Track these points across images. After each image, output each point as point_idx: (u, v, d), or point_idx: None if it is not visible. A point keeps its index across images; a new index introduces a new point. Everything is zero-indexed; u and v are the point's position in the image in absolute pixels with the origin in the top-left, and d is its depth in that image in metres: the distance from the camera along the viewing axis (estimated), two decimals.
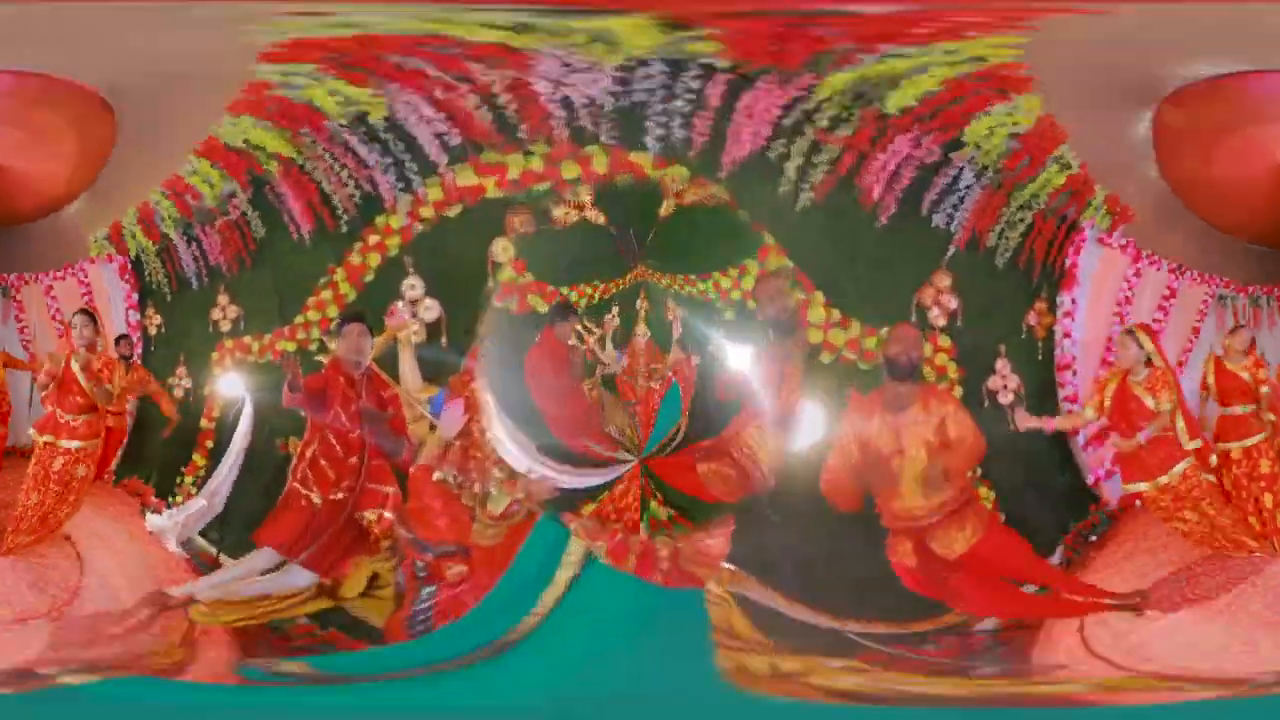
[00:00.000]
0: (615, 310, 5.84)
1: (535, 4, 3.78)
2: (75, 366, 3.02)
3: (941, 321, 3.01)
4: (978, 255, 2.70)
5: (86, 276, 3.00)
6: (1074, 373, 2.35)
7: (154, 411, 3.28)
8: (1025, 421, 2.93)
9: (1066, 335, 2.33)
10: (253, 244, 3.51)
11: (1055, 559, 2.85)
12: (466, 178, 4.62)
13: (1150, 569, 2.13)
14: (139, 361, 3.41)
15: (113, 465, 3.18)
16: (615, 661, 4.11)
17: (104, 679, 2.77)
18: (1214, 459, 2.15)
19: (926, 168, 2.73)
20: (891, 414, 3.15)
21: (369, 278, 4.30)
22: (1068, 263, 2.29)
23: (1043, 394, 2.59)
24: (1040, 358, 2.65)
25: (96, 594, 2.89)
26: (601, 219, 5.52)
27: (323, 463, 3.97)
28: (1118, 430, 2.24)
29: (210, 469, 3.38)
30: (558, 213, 5.43)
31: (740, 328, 5.42)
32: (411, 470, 4.47)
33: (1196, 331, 2.19)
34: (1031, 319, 2.62)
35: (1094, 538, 2.42)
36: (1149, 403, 2.13)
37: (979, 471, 3.11)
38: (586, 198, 5.37)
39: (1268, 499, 2.01)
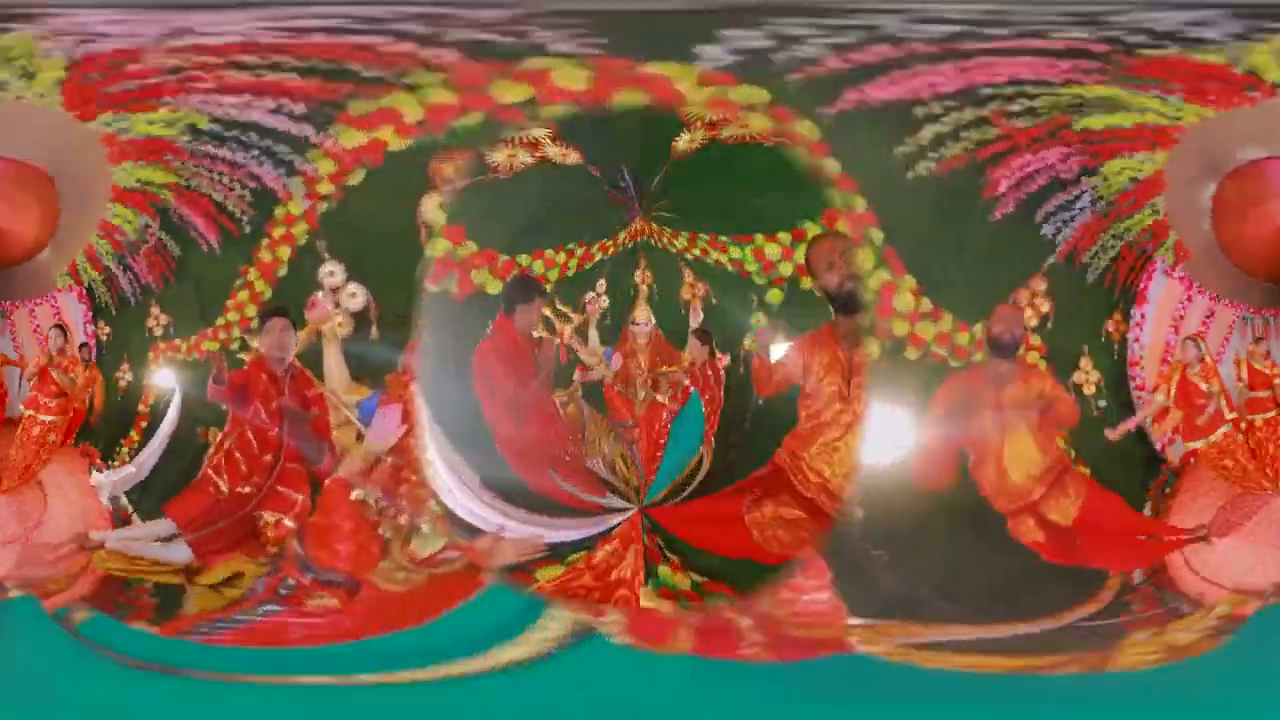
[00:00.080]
0: (602, 287, 4.51)
1: None
2: (51, 365, 4.05)
3: (1033, 322, 3.34)
4: (1072, 268, 3.32)
5: (56, 302, 3.89)
6: (1141, 368, 3.19)
7: (108, 398, 3.99)
8: (1116, 432, 3.58)
9: (1136, 340, 3.13)
10: (173, 262, 3.94)
11: (1146, 512, 3.39)
12: (351, 138, 4.16)
13: (1208, 508, 3.16)
14: (94, 363, 4.04)
15: (74, 434, 3.96)
16: None
17: (24, 595, 3.55)
18: (1244, 425, 3.22)
19: (1058, 182, 3.23)
20: (993, 390, 3.43)
21: (282, 271, 4.22)
22: (1140, 286, 3.11)
23: (1117, 385, 3.22)
24: (1115, 357, 3.23)
25: (51, 527, 3.68)
26: (574, 157, 4.33)
27: (236, 455, 4.11)
28: (1181, 408, 3.20)
29: (142, 444, 3.93)
30: (499, 156, 4.29)
31: (791, 313, 4.54)
32: (327, 481, 4.23)
33: (1227, 340, 3.09)
34: (1110, 326, 3.19)
35: (1168, 490, 3.30)
36: (1203, 387, 3.19)
37: (1074, 452, 3.41)
38: (543, 131, 4.26)
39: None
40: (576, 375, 4.68)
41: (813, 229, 4.60)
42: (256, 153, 4.01)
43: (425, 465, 4.18)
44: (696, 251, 4.41)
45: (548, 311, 4.56)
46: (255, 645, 3.76)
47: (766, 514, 4.40)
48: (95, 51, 3.63)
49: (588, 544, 4.25)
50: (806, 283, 4.77)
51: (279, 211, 4.14)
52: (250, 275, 4.15)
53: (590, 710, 3.77)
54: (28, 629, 3.54)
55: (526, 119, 4.15)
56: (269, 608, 3.93)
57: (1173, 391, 2.88)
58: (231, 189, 3.96)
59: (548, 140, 4.25)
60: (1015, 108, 3.24)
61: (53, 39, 3.60)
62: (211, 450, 4.08)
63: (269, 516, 4.13)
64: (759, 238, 4.66)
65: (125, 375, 4.04)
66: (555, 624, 3.90)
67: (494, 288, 4.38)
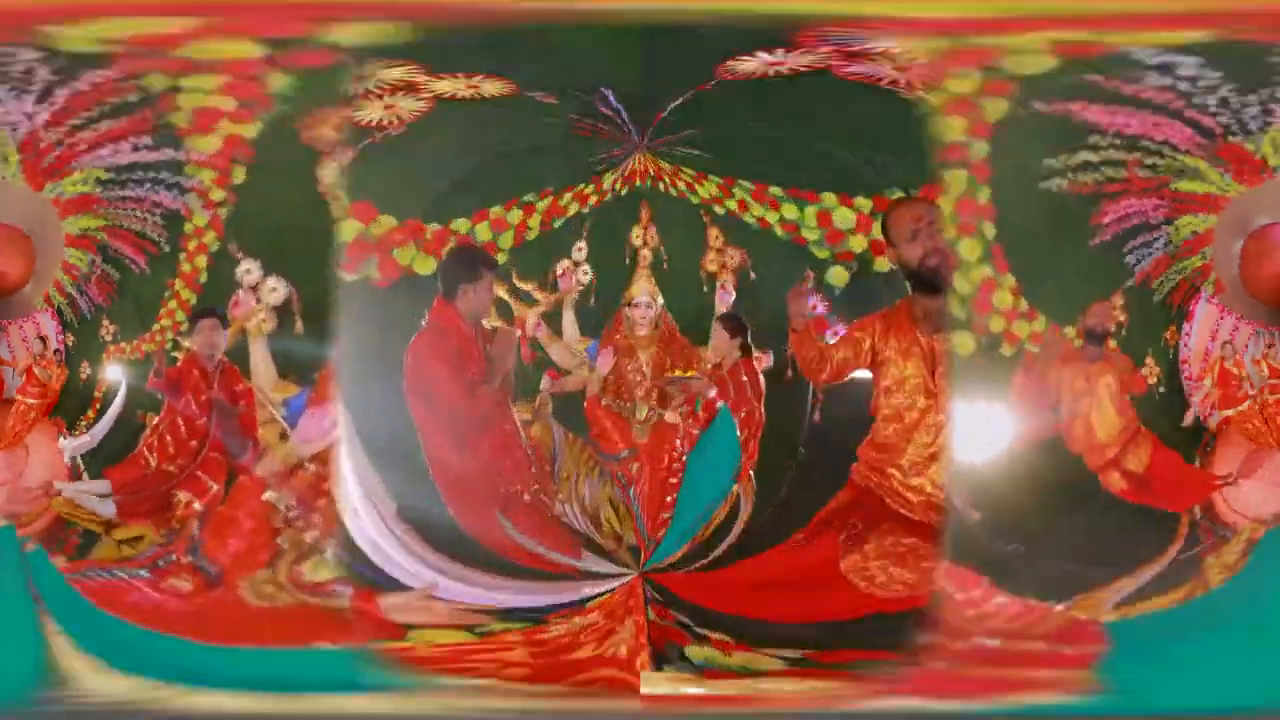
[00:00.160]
0: (581, 252, 3.33)
1: None
2: (34, 364, 4.47)
3: (1111, 328, 4.11)
4: (1143, 291, 3.93)
5: (36, 320, 4.54)
6: (1188, 364, 3.95)
7: (72, 387, 4.57)
8: (1187, 419, 4.21)
9: (1185, 345, 3.91)
10: (115, 286, 4.38)
11: (1196, 464, 4.07)
12: (205, 144, 4.24)
13: (1236, 459, 3.87)
14: (64, 362, 4.63)
15: (49, 412, 4.56)
16: None
17: (7, 525, 4.25)
18: (1260, 401, 3.97)
19: (1146, 225, 3.90)
20: (1086, 363, 3.97)
21: (203, 279, 4.42)
22: (1190, 307, 3.89)
23: (1171, 377, 3.92)
24: (1170, 357, 3.90)
25: (29, 475, 4.36)
26: (498, 88, 3.20)
27: (167, 438, 4.46)
28: (1219, 387, 3.93)
29: (96, 420, 4.45)
30: (372, 111, 3.40)
31: (856, 301, 3.99)
32: (243, 477, 4.36)
33: (1246, 346, 3.93)
34: (1167, 335, 3.90)
35: (1209, 449, 3.94)
36: (1235, 372, 3.91)
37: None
38: (411, 72, 3.15)
39: None
40: (545, 382, 3.66)
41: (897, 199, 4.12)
42: (149, 185, 4.30)
43: (338, 481, 3.92)
44: (732, 204, 3.43)
45: (502, 291, 3.59)
46: (95, 599, 4.08)
47: (870, 554, 3.82)
48: (22, 138, 4.19)
49: (535, 616, 3.36)
50: (881, 264, 4.31)
51: (187, 227, 4.36)
52: (176, 286, 4.45)
53: None
54: (5, 549, 4.31)
55: (372, 59, 3.61)
56: (139, 572, 4.18)
57: (1215, 376, 3.97)
58: (145, 220, 4.36)
59: (425, 78, 3.32)
60: (1148, 161, 3.82)
61: (6, 130, 4.26)
62: (147, 431, 4.46)
63: (183, 496, 4.37)
64: (829, 197, 4.07)
65: (85, 371, 4.54)
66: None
67: (425, 266, 3.76)
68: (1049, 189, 4.01)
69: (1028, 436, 4.11)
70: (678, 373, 3.11)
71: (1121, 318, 4.12)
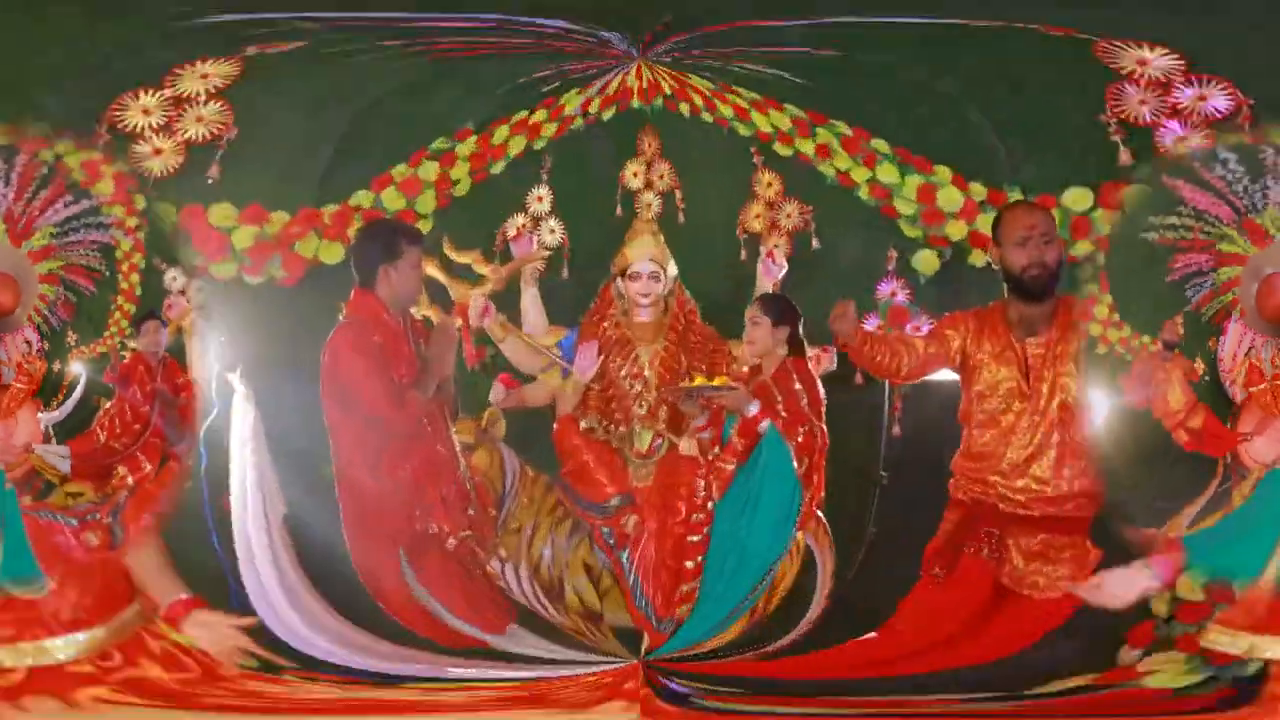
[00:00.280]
0: (544, 201, 2.70)
1: None
2: (23, 362, 5.09)
3: (1174, 340, 5.03)
4: (1196, 314, 4.49)
5: (24, 332, 5.35)
6: (1224, 364, 4.83)
7: (48, 378, 5.33)
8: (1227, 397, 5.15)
9: (1222, 349, 4.69)
10: (74, 306, 5.12)
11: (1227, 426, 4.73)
12: (99, 188, 4.94)
13: (1252, 422, 4.61)
14: (44, 361, 5.34)
15: (32, 394, 5.26)
16: None
17: None
18: (1272, 385, 4.88)
19: (1200, 271, 4.58)
20: (1162, 361, 4.81)
21: (139, 291, 5.10)
22: (1225, 326, 4.53)
23: (1214, 369, 4.63)
24: (1212, 358, 4.48)
25: (16, 436, 5.06)
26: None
27: (115, 420, 5.28)
28: (1246, 376, 4.71)
29: (63, 402, 5.36)
30: (190, 127, 3.25)
31: (943, 292, 3.53)
32: (173, 461, 5.06)
33: (1261, 354, 4.87)
34: (1210, 344, 4.38)
35: (1236, 415, 4.67)
36: (1256, 365, 4.67)
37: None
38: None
39: None
40: (496, 392, 3.05)
41: (1014, 198, 4.30)
42: (83, 230, 5.08)
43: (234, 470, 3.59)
44: (807, 146, 2.81)
45: (434, 269, 2.97)
46: (30, 531, 4.62)
47: (1021, 562, 3.83)
48: (3, 213, 5.05)
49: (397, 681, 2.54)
50: (978, 257, 4.43)
51: (118, 253, 5.09)
52: (119, 301, 5.27)
53: None
54: None
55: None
56: (71, 520, 4.67)
57: (1244, 370, 4.92)
58: (87, 255, 5.23)
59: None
60: (1205, 229, 4.66)
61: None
62: (100, 413, 5.32)
63: (121, 470, 5.13)
64: (943, 171, 3.89)
65: (57, 366, 5.48)
66: None
67: (332, 255, 3.34)
68: (1146, 238, 4.74)
69: (1130, 408, 5.03)
70: (699, 380, 2.27)
71: (1181, 331, 5.09)
